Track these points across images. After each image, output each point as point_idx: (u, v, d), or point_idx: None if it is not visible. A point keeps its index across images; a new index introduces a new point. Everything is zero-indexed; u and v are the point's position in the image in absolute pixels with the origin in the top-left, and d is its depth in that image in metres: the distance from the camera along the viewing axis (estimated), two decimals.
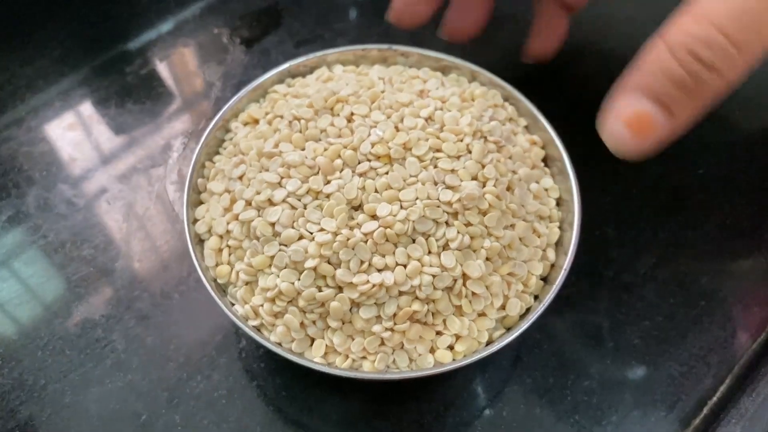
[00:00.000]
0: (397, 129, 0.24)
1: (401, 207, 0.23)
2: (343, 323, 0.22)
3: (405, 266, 0.22)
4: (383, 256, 0.22)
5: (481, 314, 0.23)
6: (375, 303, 0.22)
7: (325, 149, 0.24)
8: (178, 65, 0.36)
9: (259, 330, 0.23)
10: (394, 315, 0.22)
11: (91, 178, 0.32)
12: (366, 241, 0.22)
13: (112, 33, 0.37)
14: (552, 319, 0.27)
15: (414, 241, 0.23)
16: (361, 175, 0.23)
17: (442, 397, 0.26)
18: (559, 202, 0.26)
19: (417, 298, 0.22)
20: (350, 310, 0.22)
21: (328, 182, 0.23)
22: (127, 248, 0.30)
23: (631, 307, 0.28)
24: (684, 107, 0.21)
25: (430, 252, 0.23)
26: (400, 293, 0.22)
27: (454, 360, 0.23)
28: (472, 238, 0.23)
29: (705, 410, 0.26)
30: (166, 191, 0.31)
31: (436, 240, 0.23)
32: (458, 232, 0.23)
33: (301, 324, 0.23)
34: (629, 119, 0.21)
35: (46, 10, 0.38)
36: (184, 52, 0.37)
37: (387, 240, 0.22)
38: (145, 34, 0.38)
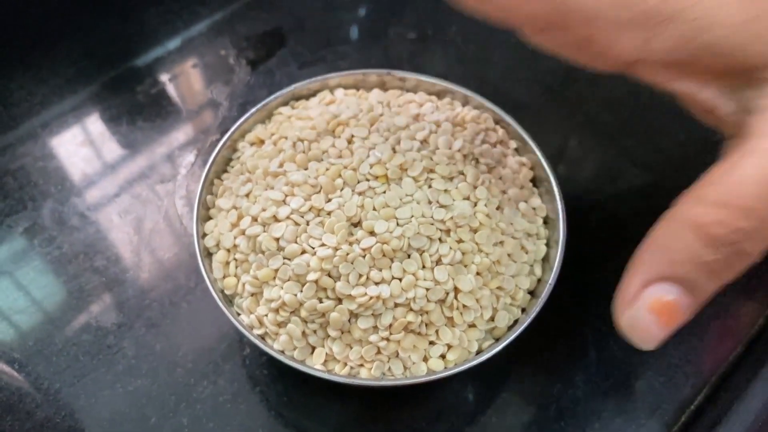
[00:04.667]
0: (394, 151, 0.26)
1: (397, 224, 0.24)
2: (342, 333, 0.24)
3: (400, 280, 0.24)
4: (380, 270, 0.24)
5: (472, 325, 0.25)
6: (372, 314, 0.24)
7: (327, 169, 0.25)
8: (186, 85, 0.38)
9: (263, 338, 0.25)
10: (390, 325, 0.24)
11: (102, 192, 0.34)
12: (364, 256, 0.24)
13: (123, 53, 0.39)
14: (539, 332, 0.29)
15: (409, 256, 0.24)
16: (360, 193, 0.25)
17: (434, 404, 0.28)
18: (546, 221, 0.28)
19: (411, 309, 0.24)
20: (349, 320, 0.24)
21: (330, 200, 0.25)
22: (138, 260, 0.31)
23: (612, 319, 0.29)
24: (708, 291, 0.20)
25: (424, 267, 0.24)
26: (396, 305, 0.24)
27: (445, 368, 0.24)
28: (463, 254, 0.24)
29: (683, 418, 0.27)
30: (175, 206, 0.33)
31: (430, 255, 0.24)
32: (450, 249, 0.24)
33: (303, 333, 0.24)
34: (659, 308, 0.20)
35: (60, 31, 0.39)
36: (192, 73, 0.38)
37: (384, 255, 0.24)
38: (153, 54, 0.39)
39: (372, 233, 0.24)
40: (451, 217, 0.24)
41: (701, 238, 0.19)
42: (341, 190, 0.25)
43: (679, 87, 0.22)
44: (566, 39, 0.22)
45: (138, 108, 0.36)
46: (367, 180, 0.25)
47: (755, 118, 0.20)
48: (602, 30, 0.21)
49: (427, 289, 0.24)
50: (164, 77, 0.38)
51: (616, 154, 0.33)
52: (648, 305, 0.20)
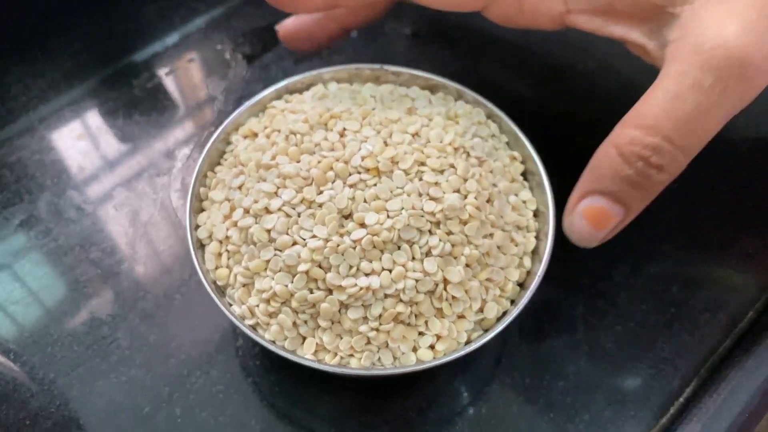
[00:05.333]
0: (385, 144, 0.26)
1: (388, 216, 0.24)
2: (333, 323, 0.24)
3: (390, 271, 0.24)
4: (370, 261, 0.24)
5: (461, 316, 0.25)
6: (362, 305, 0.24)
7: (319, 162, 0.26)
8: (182, 79, 0.38)
9: (254, 329, 0.25)
10: (380, 316, 0.24)
11: (98, 185, 0.34)
12: (355, 248, 0.24)
13: (120, 48, 0.39)
14: (529, 323, 0.29)
15: (399, 248, 0.24)
16: (351, 186, 0.25)
17: (425, 395, 0.28)
18: (536, 214, 0.28)
19: (401, 300, 0.24)
20: (339, 311, 0.24)
21: (321, 192, 0.25)
22: (132, 252, 0.31)
23: (604, 313, 0.30)
24: (636, 200, 0.24)
25: (413, 258, 0.24)
26: (386, 296, 0.24)
27: (434, 358, 0.24)
28: (453, 245, 0.24)
29: (672, 410, 0.28)
30: (170, 199, 0.33)
31: (420, 247, 0.24)
32: (440, 240, 0.24)
33: (294, 323, 0.24)
34: (589, 214, 0.25)
35: (58, 26, 0.40)
36: (189, 67, 0.39)
37: (374, 247, 0.24)
38: (150, 49, 0.39)
39: (363, 225, 0.24)
40: (441, 210, 0.24)
41: (619, 155, 0.24)
42: (333, 182, 0.25)
43: (612, 31, 0.26)
44: (504, 8, 0.27)
45: (135, 102, 0.37)
46: (359, 173, 0.25)
47: (668, 50, 0.24)
48: None
49: (417, 281, 0.24)
50: (161, 72, 0.38)
51: None
52: (581, 212, 0.25)
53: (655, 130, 0.23)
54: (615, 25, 0.26)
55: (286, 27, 0.32)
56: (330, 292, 0.24)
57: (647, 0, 0.24)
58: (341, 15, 0.31)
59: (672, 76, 0.23)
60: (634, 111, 0.24)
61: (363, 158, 0.25)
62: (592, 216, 0.25)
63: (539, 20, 0.27)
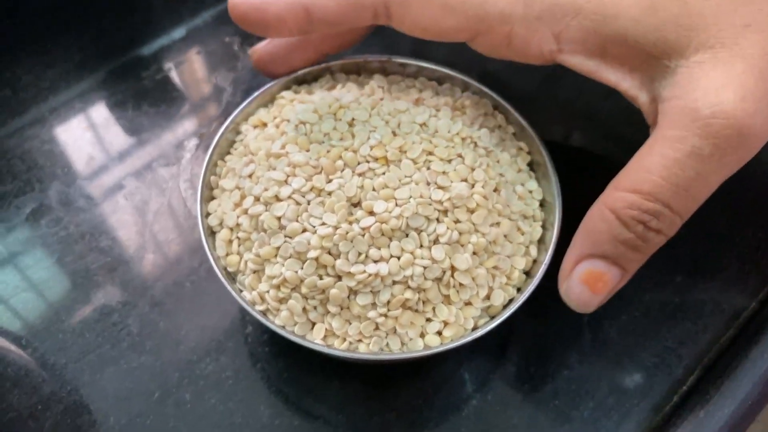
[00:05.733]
0: (394, 134, 0.26)
1: (396, 204, 0.25)
2: (342, 309, 0.24)
3: (399, 258, 0.24)
4: (379, 248, 0.24)
5: (468, 303, 0.25)
6: (371, 291, 0.24)
7: (328, 151, 0.26)
8: (191, 71, 0.39)
9: (264, 314, 0.25)
10: (388, 302, 0.24)
11: (108, 175, 0.34)
12: (363, 235, 0.24)
13: (130, 40, 0.39)
14: (535, 312, 0.29)
15: (407, 235, 0.25)
16: (360, 175, 0.25)
17: (431, 382, 0.28)
18: (542, 204, 0.28)
19: (409, 287, 0.24)
20: (348, 297, 0.24)
21: (330, 181, 0.25)
22: (142, 241, 0.32)
23: (609, 302, 0.30)
24: (633, 262, 0.24)
25: (421, 246, 0.24)
26: (394, 282, 0.24)
27: (442, 344, 0.25)
28: (460, 233, 0.25)
29: (675, 398, 0.28)
30: (179, 188, 0.33)
31: (428, 235, 0.25)
32: (447, 228, 0.25)
33: (303, 309, 0.25)
34: (587, 278, 0.24)
35: (68, 18, 0.40)
36: (197, 59, 0.39)
37: (383, 234, 0.24)
38: (159, 41, 0.40)
39: (371, 213, 0.25)
40: (449, 198, 0.25)
41: (617, 219, 0.23)
42: (342, 171, 0.25)
43: (604, 76, 0.25)
44: (493, 41, 0.26)
45: (144, 94, 0.37)
46: (367, 162, 0.26)
47: (661, 107, 0.23)
48: (517, 27, 0.25)
49: (425, 268, 0.24)
50: (170, 64, 0.39)
51: (613, 141, 0.34)
52: (578, 277, 0.24)
53: (655, 196, 0.23)
54: (607, 70, 0.25)
55: (259, 51, 0.30)
56: (339, 278, 0.24)
57: (641, 48, 0.23)
58: (316, 40, 0.29)
59: (669, 141, 0.22)
60: (630, 174, 0.23)
61: (372, 147, 0.26)
62: (591, 280, 0.24)
63: (528, 56, 0.26)
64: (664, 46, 0.23)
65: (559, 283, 0.25)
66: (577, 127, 0.32)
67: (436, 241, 0.25)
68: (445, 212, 0.25)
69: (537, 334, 0.29)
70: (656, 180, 0.22)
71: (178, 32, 0.40)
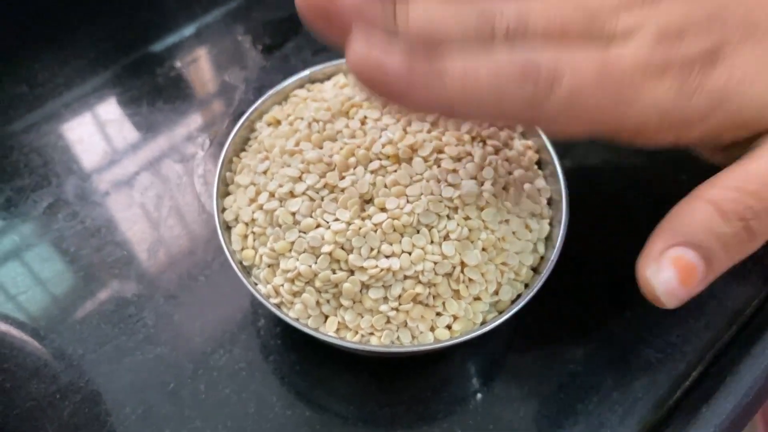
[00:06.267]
0: (405, 132, 0.27)
1: (407, 201, 0.25)
2: (354, 302, 0.25)
3: (410, 253, 0.25)
4: (391, 244, 0.25)
5: (477, 298, 0.26)
6: (382, 285, 0.25)
7: (341, 148, 0.26)
8: (204, 69, 0.39)
9: (279, 307, 0.26)
10: (400, 296, 0.25)
11: (123, 170, 0.35)
12: (376, 231, 0.25)
13: (143, 37, 0.40)
14: (541, 308, 0.30)
15: (418, 231, 0.25)
16: (372, 172, 0.26)
17: (440, 376, 0.29)
18: (550, 202, 0.29)
19: (420, 282, 0.25)
20: (360, 291, 0.25)
21: (343, 178, 0.26)
22: (157, 234, 0.33)
23: (614, 299, 0.31)
24: (720, 262, 0.23)
25: (432, 242, 0.25)
26: (405, 277, 0.25)
27: (451, 337, 0.25)
28: (470, 230, 0.25)
29: (678, 393, 0.28)
30: (194, 184, 0.34)
31: (438, 231, 0.25)
32: (458, 225, 0.25)
33: (317, 302, 0.25)
34: (679, 264, 0.22)
35: (83, 15, 0.41)
36: (210, 57, 0.40)
37: (394, 230, 0.25)
38: (172, 39, 0.40)
39: (383, 209, 0.25)
40: (459, 196, 0.25)
41: (717, 212, 0.22)
42: (354, 168, 0.26)
43: (716, 160, 0.25)
44: (618, 137, 0.24)
45: (158, 90, 0.38)
46: (379, 159, 0.26)
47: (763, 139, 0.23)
48: (647, 132, 0.24)
49: (435, 263, 0.25)
50: (183, 61, 0.39)
51: None
52: (671, 260, 0.22)
53: (759, 195, 0.22)
54: (721, 154, 0.25)
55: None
56: (352, 272, 0.25)
57: (752, 128, 0.23)
58: None
59: None
60: (732, 174, 0.23)
61: (384, 145, 0.26)
62: (682, 267, 0.22)
63: (639, 144, 0.25)
64: None
65: (640, 267, 0.23)
66: None
67: (446, 238, 0.25)
68: (456, 209, 0.26)
69: (543, 329, 0.30)
70: (762, 181, 0.22)
71: (191, 30, 0.41)
